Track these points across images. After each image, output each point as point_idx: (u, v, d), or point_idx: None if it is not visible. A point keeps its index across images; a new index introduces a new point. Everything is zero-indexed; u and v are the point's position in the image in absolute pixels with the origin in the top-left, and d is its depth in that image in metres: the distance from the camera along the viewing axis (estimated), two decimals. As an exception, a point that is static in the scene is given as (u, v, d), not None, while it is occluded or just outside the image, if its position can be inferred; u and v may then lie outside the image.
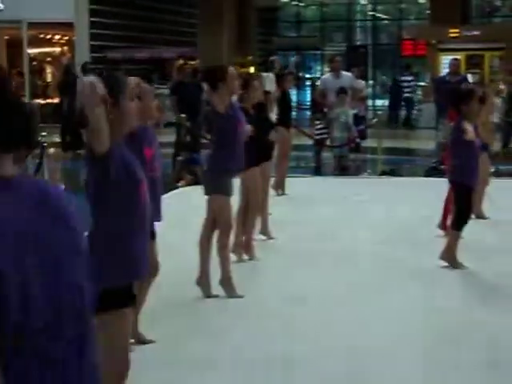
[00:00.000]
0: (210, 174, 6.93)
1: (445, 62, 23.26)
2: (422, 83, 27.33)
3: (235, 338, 5.94)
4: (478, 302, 6.82)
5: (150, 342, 5.71)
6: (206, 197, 6.92)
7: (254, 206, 8.09)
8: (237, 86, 7.06)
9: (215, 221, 6.88)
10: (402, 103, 27.02)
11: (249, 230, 8.14)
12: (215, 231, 6.94)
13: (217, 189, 6.75)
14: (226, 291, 6.90)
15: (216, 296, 6.89)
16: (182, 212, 9.86)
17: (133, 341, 5.10)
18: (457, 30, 26.04)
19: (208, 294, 6.89)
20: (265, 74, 12.30)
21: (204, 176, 7.18)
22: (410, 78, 26.43)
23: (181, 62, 17.27)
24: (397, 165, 16.43)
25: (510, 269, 7.81)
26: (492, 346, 5.71)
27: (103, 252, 3.67)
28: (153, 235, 5.28)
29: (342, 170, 14.74)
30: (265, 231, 9.11)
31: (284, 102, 11.87)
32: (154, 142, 5.56)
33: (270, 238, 9.20)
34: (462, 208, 7.83)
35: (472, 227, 8.14)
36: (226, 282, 6.92)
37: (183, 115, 13.69)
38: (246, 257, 8.18)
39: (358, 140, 15.46)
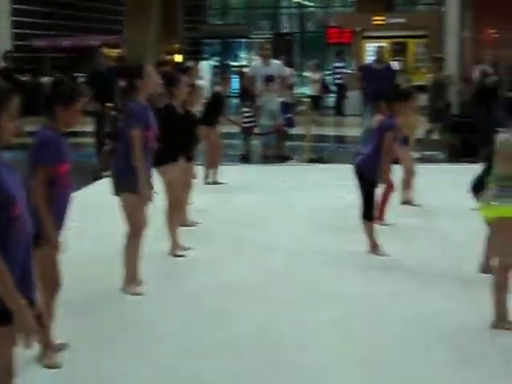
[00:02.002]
0: (119, 171, 6.78)
1: (370, 50, 23.56)
2: (348, 70, 27.55)
3: (165, 328, 5.93)
4: (403, 285, 6.94)
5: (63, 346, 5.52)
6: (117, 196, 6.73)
7: (174, 203, 8.02)
8: (154, 84, 6.94)
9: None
10: (334, 90, 27.14)
11: (172, 227, 8.05)
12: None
13: (126, 187, 6.63)
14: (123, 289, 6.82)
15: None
16: (107, 201, 9.75)
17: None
18: (381, 18, 26.30)
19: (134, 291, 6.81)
20: (202, 64, 12.45)
21: (113, 174, 6.89)
22: (341, 65, 26.59)
23: (103, 49, 17.00)
24: (325, 152, 16.56)
25: (433, 252, 7.99)
26: (420, 324, 5.82)
27: None
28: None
29: (270, 157, 14.80)
30: (184, 221, 9.04)
31: (214, 102, 12.17)
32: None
33: (192, 225, 9.16)
34: (368, 199, 7.98)
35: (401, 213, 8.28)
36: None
37: (109, 104, 13.53)
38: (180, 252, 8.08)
39: (285, 128, 15.53)
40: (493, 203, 5.75)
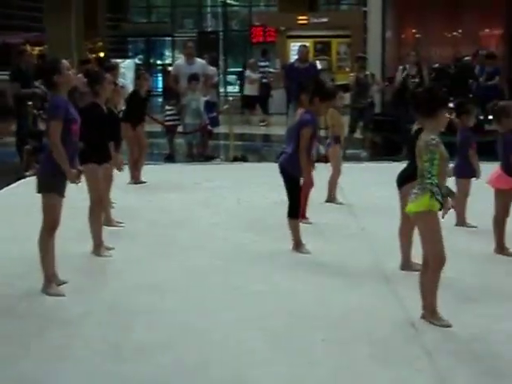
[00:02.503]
0: (43, 171, 6.69)
1: (294, 49, 23.66)
2: (273, 69, 27.65)
3: (89, 329, 5.85)
4: (327, 282, 6.98)
5: None
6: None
7: (97, 203, 7.93)
8: (72, 78, 6.84)
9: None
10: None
11: (95, 227, 7.95)
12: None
13: (48, 187, 6.53)
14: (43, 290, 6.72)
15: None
16: (29, 201, 9.59)
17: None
18: (305, 17, 26.48)
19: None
20: (124, 63, 12.38)
21: (37, 173, 6.83)
22: (266, 64, 26.65)
23: (23, 47, 16.68)
24: (249, 150, 16.61)
25: (356, 250, 8.08)
26: (343, 320, 5.87)
27: None
28: None
29: (195, 156, 14.77)
30: (108, 222, 8.95)
31: (134, 100, 12.16)
32: None
33: (116, 225, 9.07)
34: (292, 197, 8.03)
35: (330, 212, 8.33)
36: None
37: (30, 103, 13.33)
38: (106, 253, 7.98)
39: (209, 127, 15.52)
40: (411, 200, 5.83)
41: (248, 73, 22.90)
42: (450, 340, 5.56)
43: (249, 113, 22.45)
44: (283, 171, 8.06)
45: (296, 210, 8.05)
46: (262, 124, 22.00)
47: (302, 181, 8.09)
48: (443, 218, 5.75)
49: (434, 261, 5.80)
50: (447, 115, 5.98)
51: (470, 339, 5.57)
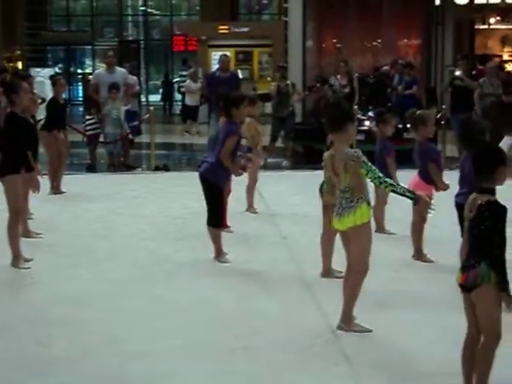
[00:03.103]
0: None
1: (215, 58, 23.70)
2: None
3: (5, 342, 5.73)
4: (248, 290, 6.99)
5: None
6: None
7: (15, 214, 7.79)
8: None
9: None
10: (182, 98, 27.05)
11: (13, 239, 7.81)
12: None
13: None
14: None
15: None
16: None
17: None
18: (226, 27, 26.58)
19: None
20: (40, 74, 12.20)
21: None
22: (187, 73, 26.61)
23: None
24: (171, 160, 16.55)
25: (277, 257, 8.12)
26: (264, 327, 5.88)
27: None
28: None
29: (116, 166, 14.64)
30: (26, 233, 8.80)
31: (54, 106, 12.05)
32: None
33: (35, 236, 8.93)
34: (214, 206, 8.03)
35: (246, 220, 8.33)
36: None
37: None
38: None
39: (131, 136, 15.41)
40: (342, 216, 5.85)
41: (188, 82, 22.12)
42: (368, 346, 5.62)
43: (190, 123, 22.10)
44: (204, 180, 8.05)
45: (217, 219, 8.04)
46: (186, 133, 21.87)
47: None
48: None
49: (360, 271, 5.86)
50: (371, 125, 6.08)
51: (389, 345, 5.64)
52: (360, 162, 5.71)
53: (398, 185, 5.91)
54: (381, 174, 5.82)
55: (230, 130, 7.99)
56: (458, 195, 7.00)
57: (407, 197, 5.86)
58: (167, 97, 28.39)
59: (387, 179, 5.86)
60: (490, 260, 4.41)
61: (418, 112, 8.17)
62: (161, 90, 31.23)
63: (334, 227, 6.06)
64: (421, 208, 8.00)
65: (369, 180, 5.78)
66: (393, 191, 5.82)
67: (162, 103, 30.00)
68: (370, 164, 5.78)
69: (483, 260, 4.42)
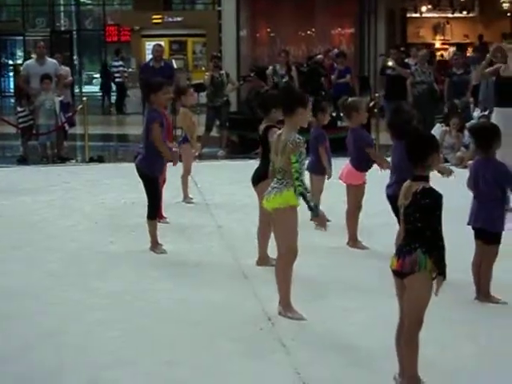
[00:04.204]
0: None
1: (149, 48, 23.53)
2: (130, 69, 27.45)
3: None
4: (183, 281, 6.98)
5: None
6: None
7: None
8: None
9: None
10: (114, 89, 26.86)
11: None
12: None
13: None
14: None
15: None
16: None
17: None
18: (159, 17, 26.40)
19: None
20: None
21: None
22: (120, 63, 26.38)
23: None
24: (105, 151, 16.41)
25: (213, 247, 8.14)
26: (203, 317, 5.88)
27: None
28: None
29: (49, 158, 14.45)
30: None
31: None
32: None
33: None
34: (152, 198, 8.00)
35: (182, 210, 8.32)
36: None
37: None
38: None
39: (66, 127, 15.23)
40: (270, 195, 5.92)
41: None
42: (305, 333, 5.67)
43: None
44: (140, 172, 8.02)
45: (153, 210, 8.02)
46: None
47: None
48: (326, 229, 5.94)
49: (288, 254, 5.92)
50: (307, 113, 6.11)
51: (325, 331, 5.70)
52: (296, 149, 5.74)
53: (309, 192, 5.91)
54: (303, 175, 5.85)
55: (150, 118, 7.99)
56: (388, 186, 7.12)
57: (309, 207, 5.83)
58: (106, 87, 28.07)
59: (305, 182, 5.86)
60: (425, 247, 4.46)
61: (350, 99, 8.26)
62: (100, 81, 30.87)
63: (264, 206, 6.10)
64: (354, 198, 8.11)
65: (294, 168, 5.74)
66: (301, 194, 5.79)
67: (100, 94, 29.66)
68: (303, 157, 5.82)
69: (419, 247, 4.46)
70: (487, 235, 6.26)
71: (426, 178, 4.56)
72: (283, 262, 5.95)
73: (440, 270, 4.45)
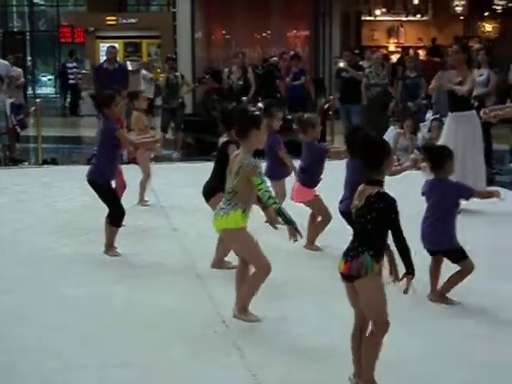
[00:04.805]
0: None
1: (103, 50, 23.38)
2: (84, 71, 27.24)
3: None
4: (139, 284, 6.92)
5: None
6: None
7: None
8: None
9: None
10: (68, 90, 26.61)
11: None
12: None
13: None
14: None
15: None
16: None
17: None
18: (114, 18, 26.24)
19: None
20: None
21: None
22: (74, 65, 26.16)
23: None
24: (59, 153, 16.26)
25: (169, 250, 8.10)
26: (157, 320, 5.85)
27: None
28: None
29: (3, 160, 14.29)
30: None
31: None
32: None
33: None
34: (112, 205, 7.93)
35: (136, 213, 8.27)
36: None
37: None
38: None
39: (18, 129, 15.07)
40: (218, 216, 5.87)
41: (144, 72, 20.32)
42: (260, 334, 5.67)
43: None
44: (92, 184, 7.92)
45: (118, 218, 7.92)
46: None
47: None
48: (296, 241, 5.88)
49: (260, 269, 5.88)
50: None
51: (280, 333, 5.69)
52: (255, 171, 5.70)
53: (284, 208, 5.88)
54: (272, 192, 5.85)
55: (109, 129, 7.85)
56: (341, 201, 7.18)
57: (288, 222, 5.78)
58: (63, 88, 27.72)
59: (272, 198, 5.80)
60: (373, 250, 4.46)
61: (306, 115, 8.22)
62: (54, 82, 30.58)
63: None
64: (318, 209, 8.10)
65: (259, 192, 5.73)
66: (279, 210, 5.75)
67: (57, 95, 29.35)
68: (264, 178, 5.80)
69: (367, 250, 4.46)
70: (451, 254, 6.28)
71: (381, 183, 4.57)
72: (256, 278, 5.91)
73: (409, 270, 4.46)
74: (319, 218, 8.14)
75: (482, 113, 9.28)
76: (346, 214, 6.63)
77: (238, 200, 5.77)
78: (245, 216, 5.81)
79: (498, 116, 9.19)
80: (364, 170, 4.61)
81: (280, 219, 5.84)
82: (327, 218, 8.05)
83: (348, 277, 4.51)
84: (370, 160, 4.57)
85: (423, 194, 6.46)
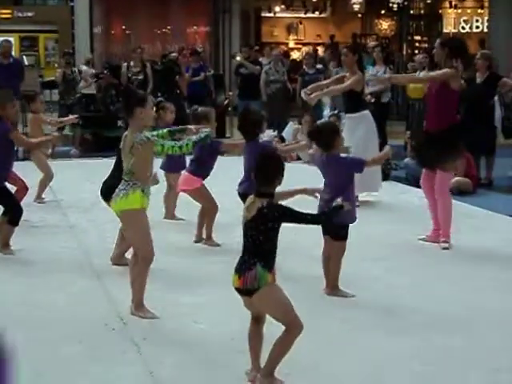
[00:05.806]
0: None
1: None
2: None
3: None
4: (30, 283, 6.81)
5: None
6: None
7: None
8: None
9: None
10: None
11: None
12: None
13: None
14: None
15: None
16: None
17: None
18: (9, 11, 25.62)
19: None
20: None
21: None
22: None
23: None
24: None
25: (66, 247, 7.98)
26: (47, 324, 5.75)
27: None
28: None
29: None
30: None
31: None
32: None
33: None
34: (7, 205, 7.81)
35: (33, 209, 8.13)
36: None
37: None
38: None
39: None
40: (117, 198, 5.84)
41: (85, 68, 17.64)
42: (158, 331, 5.64)
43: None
44: None
45: (16, 215, 7.78)
46: None
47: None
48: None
49: (144, 256, 5.85)
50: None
51: (178, 329, 5.68)
52: (152, 143, 5.74)
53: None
54: (174, 143, 5.92)
55: (2, 132, 7.70)
56: (240, 184, 7.22)
57: (202, 139, 6.07)
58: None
59: (181, 143, 5.92)
60: (264, 261, 4.43)
61: (200, 109, 8.29)
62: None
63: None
64: (203, 199, 8.13)
65: (169, 152, 5.85)
66: (193, 142, 5.94)
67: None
68: (162, 142, 5.87)
69: (258, 261, 4.42)
70: (335, 229, 6.32)
71: (271, 195, 4.54)
72: (140, 266, 5.88)
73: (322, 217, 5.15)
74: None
75: (302, 93, 9.64)
76: (244, 196, 6.64)
77: (135, 179, 5.76)
78: (144, 196, 5.79)
79: (317, 96, 9.62)
80: (255, 182, 4.58)
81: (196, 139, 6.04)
82: (214, 207, 8.11)
83: (244, 291, 4.48)
84: (263, 175, 4.53)
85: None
